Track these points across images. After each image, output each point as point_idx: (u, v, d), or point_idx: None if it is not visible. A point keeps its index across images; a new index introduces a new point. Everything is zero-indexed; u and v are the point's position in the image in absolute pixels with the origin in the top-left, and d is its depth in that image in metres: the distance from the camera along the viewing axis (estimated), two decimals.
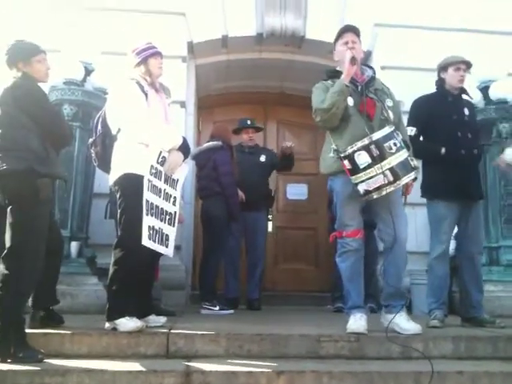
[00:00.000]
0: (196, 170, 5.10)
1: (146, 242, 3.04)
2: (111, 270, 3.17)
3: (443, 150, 3.74)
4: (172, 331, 3.09)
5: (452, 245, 4.96)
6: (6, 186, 2.90)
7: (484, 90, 4.96)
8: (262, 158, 5.29)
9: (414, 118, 3.90)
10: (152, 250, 3.15)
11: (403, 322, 3.28)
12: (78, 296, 4.03)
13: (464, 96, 3.98)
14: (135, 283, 3.17)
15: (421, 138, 3.90)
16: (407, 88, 4.55)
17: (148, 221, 3.07)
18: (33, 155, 2.89)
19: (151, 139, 3.20)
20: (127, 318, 3.05)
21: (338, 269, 5.08)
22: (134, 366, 2.73)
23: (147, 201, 3.08)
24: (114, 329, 3.06)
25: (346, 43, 3.41)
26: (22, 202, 2.86)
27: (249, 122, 5.37)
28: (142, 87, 3.29)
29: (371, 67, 3.57)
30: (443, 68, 3.92)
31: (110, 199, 3.95)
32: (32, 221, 2.85)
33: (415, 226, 4.69)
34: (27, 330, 2.87)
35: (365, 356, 3.09)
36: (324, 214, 5.96)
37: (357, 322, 3.22)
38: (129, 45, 3.49)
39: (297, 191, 6.56)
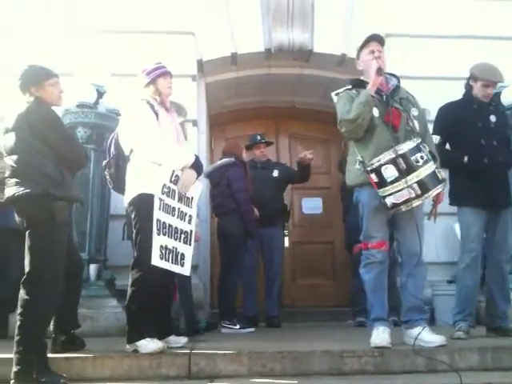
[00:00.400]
0: (210, 188, 5.10)
1: (156, 261, 3.02)
2: (129, 292, 3.16)
3: (466, 159, 3.67)
4: (193, 351, 3.06)
5: None
6: (23, 210, 2.92)
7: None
8: (275, 173, 5.28)
9: (438, 126, 3.84)
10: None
11: (427, 335, 3.22)
12: (98, 319, 4.03)
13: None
14: (154, 304, 3.15)
15: (447, 146, 3.84)
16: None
17: (160, 240, 3.06)
18: (48, 179, 2.91)
19: (163, 158, 3.21)
20: (148, 339, 3.03)
21: (356, 282, 5.09)
22: None
23: (159, 220, 3.07)
24: (136, 351, 3.04)
25: (372, 52, 3.36)
26: (38, 226, 2.87)
27: (259, 138, 5.37)
28: (152, 107, 3.30)
29: (396, 76, 3.49)
30: (474, 78, 3.82)
31: (127, 220, 3.95)
32: (49, 244, 2.86)
33: (435, 236, 4.64)
34: (49, 355, 2.87)
35: (390, 370, 3.03)
36: (340, 228, 5.93)
37: (380, 335, 3.16)
38: (139, 66, 3.52)
39: (312, 205, 6.54)
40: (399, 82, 3.46)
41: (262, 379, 2.89)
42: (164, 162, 3.20)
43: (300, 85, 6.34)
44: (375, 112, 3.27)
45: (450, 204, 3.84)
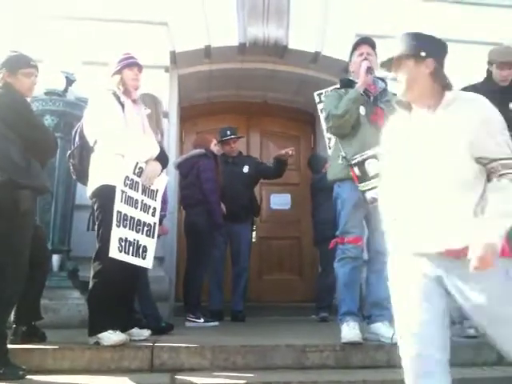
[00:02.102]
0: (180, 179, 5.07)
1: (114, 254, 2.99)
2: (91, 284, 3.14)
3: None
4: (156, 344, 3.06)
5: None
6: None
7: None
8: (245, 169, 5.26)
9: None
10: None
11: (387, 331, 3.29)
12: (59, 310, 3.96)
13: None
14: (116, 296, 3.13)
15: None
16: None
17: (119, 232, 3.03)
18: (13, 167, 2.85)
19: (127, 150, 3.18)
20: (110, 331, 3.01)
21: (322, 279, 5.15)
22: (118, 380, 2.71)
23: (119, 212, 3.04)
24: (97, 343, 3.02)
25: (361, 54, 3.48)
26: (1, 214, 2.81)
27: (228, 133, 5.33)
28: (118, 98, 3.28)
29: (383, 79, 3.59)
30: (489, 62, 3.68)
31: (92, 211, 3.90)
32: (12, 233, 2.81)
33: None
34: (9, 346, 2.82)
35: (350, 365, 3.10)
36: (307, 224, 5.98)
37: (351, 331, 3.21)
38: (111, 55, 3.48)
39: (280, 201, 6.55)
40: (386, 85, 3.56)
41: (225, 373, 2.91)
42: (127, 153, 3.17)
43: (273, 81, 6.35)
44: (362, 110, 3.38)
45: None
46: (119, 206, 3.05)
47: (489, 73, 3.76)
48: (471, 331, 3.45)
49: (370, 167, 3.15)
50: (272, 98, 6.71)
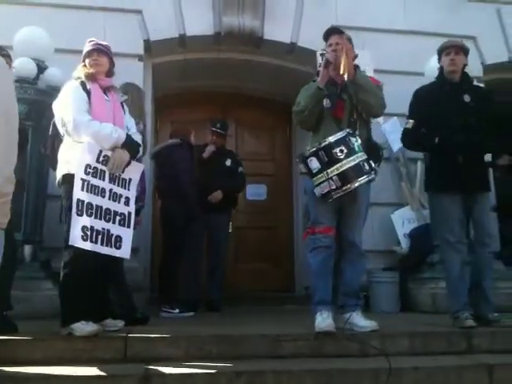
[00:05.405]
0: (155, 169, 5.03)
1: (78, 243, 2.95)
2: (62, 274, 3.10)
3: (437, 140, 3.60)
4: (130, 335, 3.04)
5: (405, 243, 5.10)
6: None
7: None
8: (228, 162, 5.26)
9: (411, 110, 3.82)
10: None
11: (360, 320, 3.33)
12: (32, 301, 3.90)
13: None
14: (88, 285, 3.09)
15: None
16: None
17: (82, 221, 2.97)
18: None
19: (88, 138, 3.12)
20: (83, 322, 2.98)
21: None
22: (92, 371, 2.68)
23: (80, 200, 2.99)
24: (70, 334, 2.98)
25: (330, 45, 3.41)
26: None
27: (218, 125, 5.29)
28: (84, 85, 3.25)
29: (357, 66, 3.51)
30: (439, 55, 3.81)
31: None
32: None
33: (372, 225, 4.77)
34: None
35: (324, 354, 3.12)
36: (284, 214, 6.01)
37: (325, 320, 3.22)
38: (83, 43, 3.43)
39: (256, 191, 6.57)
40: (358, 72, 3.48)
41: (199, 362, 2.90)
42: (89, 141, 3.12)
43: (249, 71, 6.32)
44: (327, 104, 3.35)
45: (425, 190, 3.90)
46: (79, 194, 3.00)
47: (440, 69, 3.84)
48: (469, 322, 3.43)
49: (312, 164, 3.16)
50: (248, 89, 6.68)
